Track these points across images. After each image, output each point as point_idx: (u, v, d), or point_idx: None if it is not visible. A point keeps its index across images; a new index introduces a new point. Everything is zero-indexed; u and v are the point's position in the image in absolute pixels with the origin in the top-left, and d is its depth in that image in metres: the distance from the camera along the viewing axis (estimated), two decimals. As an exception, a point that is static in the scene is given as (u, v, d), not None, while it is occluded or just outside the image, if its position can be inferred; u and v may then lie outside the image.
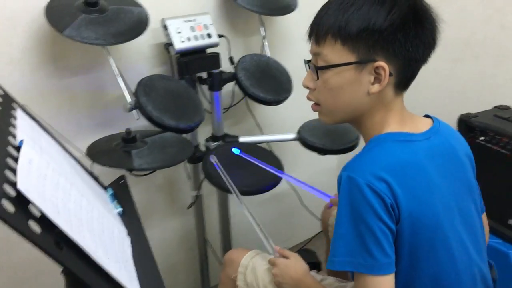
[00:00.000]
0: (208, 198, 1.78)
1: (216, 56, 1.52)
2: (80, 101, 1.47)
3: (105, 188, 1.14)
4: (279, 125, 1.95)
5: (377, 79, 0.87)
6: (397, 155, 0.87)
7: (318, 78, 0.91)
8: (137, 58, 1.53)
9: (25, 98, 1.36)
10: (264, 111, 1.83)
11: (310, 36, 0.93)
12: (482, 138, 1.44)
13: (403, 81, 0.90)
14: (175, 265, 1.87)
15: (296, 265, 1.13)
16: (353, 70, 0.87)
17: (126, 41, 1.27)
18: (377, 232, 0.83)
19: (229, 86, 1.64)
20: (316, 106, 0.97)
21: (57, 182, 0.83)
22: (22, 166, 0.75)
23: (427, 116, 1.00)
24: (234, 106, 1.73)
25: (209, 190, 1.73)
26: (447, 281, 0.90)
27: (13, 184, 0.71)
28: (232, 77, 1.58)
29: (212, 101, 1.58)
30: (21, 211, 0.68)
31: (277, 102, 1.60)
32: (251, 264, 1.20)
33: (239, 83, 1.57)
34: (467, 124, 1.49)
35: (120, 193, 1.13)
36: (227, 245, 1.78)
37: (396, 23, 0.83)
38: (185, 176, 1.72)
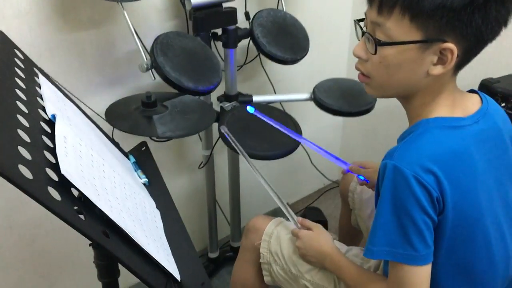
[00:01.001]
0: (219, 158, 1.76)
1: (233, 12, 1.45)
2: (90, 57, 1.40)
3: (126, 155, 1.11)
4: (290, 80, 1.90)
5: (441, 60, 0.81)
6: (446, 144, 0.84)
7: (375, 53, 0.84)
8: (149, 11, 1.45)
9: (34, 53, 1.30)
10: (275, 68, 1.78)
11: (371, 0, 0.84)
12: (503, 104, 1.42)
13: (465, 62, 0.85)
14: (183, 220, 1.87)
15: (320, 237, 1.12)
16: (416, 49, 0.81)
17: (144, -3, 1.20)
18: (420, 224, 0.81)
19: (243, 42, 1.58)
20: (365, 77, 0.91)
21: (91, 160, 0.80)
22: (60, 146, 0.71)
23: (473, 91, 0.96)
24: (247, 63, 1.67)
25: (218, 149, 1.70)
26: (481, 268, 0.90)
27: (54, 167, 0.67)
28: (248, 33, 1.51)
29: (226, 59, 1.52)
30: (66, 197, 0.65)
31: (294, 61, 1.55)
32: (275, 233, 1.20)
33: (255, 41, 1.51)
34: (489, 90, 1.46)
35: (142, 160, 1.09)
36: (235, 204, 1.78)
37: (479, 2, 0.76)
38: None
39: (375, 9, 0.83)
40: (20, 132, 0.67)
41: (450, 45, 0.79)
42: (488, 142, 0.89)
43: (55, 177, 0.66)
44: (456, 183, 0.82)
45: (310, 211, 1.93)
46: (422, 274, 0.84)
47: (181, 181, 1.79)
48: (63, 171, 0.65)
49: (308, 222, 1.16)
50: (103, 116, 1.18)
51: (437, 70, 0.83)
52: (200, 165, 1.66)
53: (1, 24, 1.21)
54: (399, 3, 0.79)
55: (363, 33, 0.88)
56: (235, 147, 1.20)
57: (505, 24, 0.81)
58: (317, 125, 2.07)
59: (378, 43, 0.83)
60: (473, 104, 0.91)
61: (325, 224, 1.89)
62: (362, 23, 0.89)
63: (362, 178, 1.28)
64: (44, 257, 1.52)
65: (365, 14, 0.87)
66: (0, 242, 1.41)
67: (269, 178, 2.03)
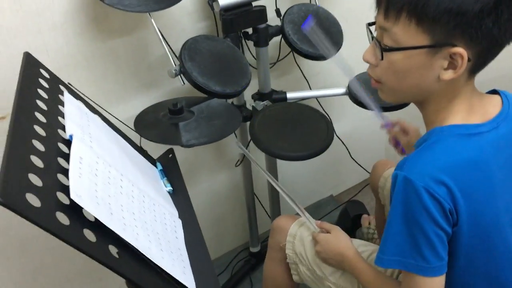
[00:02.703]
0: (255, 152, 1.77)
1: (262, 11, 1.44)
2: (125, 63, 1.44)
3: (154, 161, 1.14)
4: (326, 75, 1.87)
5: (452, 64, 0.78)
6: (460, 153, 0.81)
7: (382, 59, 0.82)
8: (180, 14, 1.47)
9: (71, 63, 1.35)
10: (310, 63, 1.74)
11: (378, 4, 0.82)
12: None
13: (481, 66, 0.81)
14: (224, 215, 1.91)
15: (338, 239, 1.11)
16: (425, 54, 0.78)
17: (169, 6, 1.21)
18: (431, 237, 0.79)
19: (276, 38, 1.57)
20: (377, 83, 0.89)
21: (108, 177, 0.83)
22: (74, 168, 0.75)
23: (494, 91, 0.91)
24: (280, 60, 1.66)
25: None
26: (505, 278, 0.87)
27: (67, 190, 0.71)
28: (279, 31, 1.50)
29: (258, 58, 1.52)
30: (76, 220, 0.68)
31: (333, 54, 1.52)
32: (299, 234, 1.20)
33: (286, 38, 1.49)
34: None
35: (169, 168, 1.13)
36: (275, 198, 1.79)
37: (489, 5, 0.72)
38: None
39: (381, 14, 0.81)
40: (33, 158, 0.71)
41: (460, 49, 0.76)
42: (509, 147, 0.84)
43: (66, 201, 0.69)
44: (470, 194, 0.79)
45: (352, 205, 1.91)
46: (434, 285, 0.82)
47: (221, 177, 1.82)
48: (72, 195, 0.68)
49: (326, 225, 1.15)
50: (131, 123, 1.22)
51: (448, 75, 0.79)
52: (236, 163, 1.68)
53: (38, 38, 1.27)
54: (405, 8, 0.76)
55: (373, 37, 0.86)
56: (248, 157, 1.20)
57: None
58: (359, 117, 2.03)
59: (384, 49, 0.81)
60: (493, 107, 0.86)
61: (367, 218, 1.87)
62: (373, 27, 0.86)
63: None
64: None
65: (375, 18, 0.85)
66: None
67: (310, 171, 2.05)
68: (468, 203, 0.79)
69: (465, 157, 0.81)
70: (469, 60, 0.77)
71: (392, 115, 1.31)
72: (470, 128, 0.83)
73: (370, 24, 0.88)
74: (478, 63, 0.80)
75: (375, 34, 0.86)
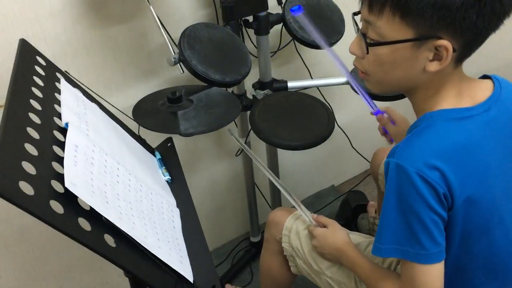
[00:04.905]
0: (256, 142, 1.76)
1: (263, -2, 1.42)
2: (124, 51, 1.43)
3: (153, 150, 1.13)
4: (327, 64, 1.85)
5: (437, 55, 0.78)
6: (451, 137, 0.80)
7: (368, 53, 0.81)
8: (179, 1, 1.45)
9: (70, 51, 1.34)
10: (312, 51, 1.73)
11: None
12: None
13: (467, 54, 0.81)
14: (224, 205, 1.90)
15: (335, 234, 1.10)
16: (410, 47, 0.78)
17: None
18: (427, 222, 0.78)
19: (277, 27, 1.55)
20: (363, 74, 0.88)
21: (104, 165, 0.82)
22: (68, 156, 0.74)
23: (486, 76, 0.90)
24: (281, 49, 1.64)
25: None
26: (501, 262, 0.87)
27: (61, 178, 0.70)
28: (280, 19, 1.48)
29: (258, 46, 1.50)
30: (70, 209, 0.67)
31: (328, 45, 1.50)
32: (294, 227, 1.19)
33: (287, 26, 1.47)
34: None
35: (167, 157, 1.12)
36: (275, 188, 1.78)
37: None
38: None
39: (366, 7, 0.80)
40: (28, 146, 0.70)
41: (444, 42, 0.75)
42: (503, 129, 0.83)
43: (61, 189, 0.69)
44: (464, 177, 0.79)
45: (353, 195, 1.90)
46: (433, 272, 0.81)
47: (222, 167, 1.81)
48: (66, 184, 0.67)
49: (323, 219, 1.14)
50: (130, 112, 1.21)
51: (434, 66, 0.79)
52: (237, 153, 1.67)
53: (35, 25, 1.25)
54: (388, 2, 0.76)
55: (358, 29, 0.85)
56: (243, 148, 1.23)
57: (507, 15, 0.76)
58: (361, 107, 2.01)
59: (369, 44, 0.80)
60: (483, 91, 0.85)
61: (368, 208, 1.86)
62: (358, 17, 0.85)
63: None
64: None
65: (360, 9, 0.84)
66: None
67: (311, 161, 2.04)
68: (462, 186, 0.78)
69: (457, 141, 0.80)
70: (454, 50, 0.76)
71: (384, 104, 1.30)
72: (460, 112, 0.82)
73: (355, 14, 0.86)
74: (464, 52, 0.79)
75: (360, 25, 0.85)
